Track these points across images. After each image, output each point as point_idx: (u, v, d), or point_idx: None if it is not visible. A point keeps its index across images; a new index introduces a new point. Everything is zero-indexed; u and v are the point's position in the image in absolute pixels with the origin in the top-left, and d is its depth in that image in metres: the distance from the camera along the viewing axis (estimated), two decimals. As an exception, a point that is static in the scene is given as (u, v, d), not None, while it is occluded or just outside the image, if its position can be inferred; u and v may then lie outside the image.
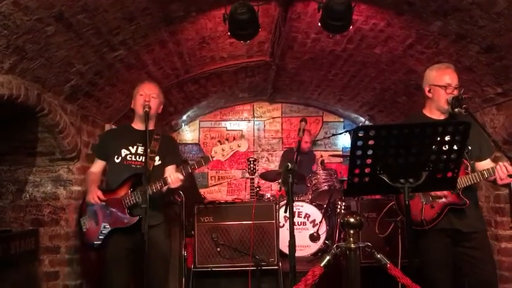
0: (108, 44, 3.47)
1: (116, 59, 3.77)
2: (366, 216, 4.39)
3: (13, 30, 2.64)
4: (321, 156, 6.70)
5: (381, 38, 4.08)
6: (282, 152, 7.42)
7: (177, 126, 7.33)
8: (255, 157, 5.46)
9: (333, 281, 3.63)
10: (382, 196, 4.54)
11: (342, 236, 4.57)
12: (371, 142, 2.00)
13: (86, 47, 3.31)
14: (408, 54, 4.19)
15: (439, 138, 2.04)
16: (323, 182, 5.28)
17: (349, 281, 2.28)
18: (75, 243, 3.86)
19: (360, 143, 2.00)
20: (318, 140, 7.46)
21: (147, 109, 2.97)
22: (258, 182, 5.74)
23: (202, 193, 6.29)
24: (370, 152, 2.02)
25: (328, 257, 2.26)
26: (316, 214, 5.15)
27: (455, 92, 2.76)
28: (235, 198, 6.87)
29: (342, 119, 7.68)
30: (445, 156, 2.08)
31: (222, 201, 4.79)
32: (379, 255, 2.26)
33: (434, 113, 2.86)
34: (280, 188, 5.52)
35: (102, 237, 2.96)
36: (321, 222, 5.09)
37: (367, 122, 6.42)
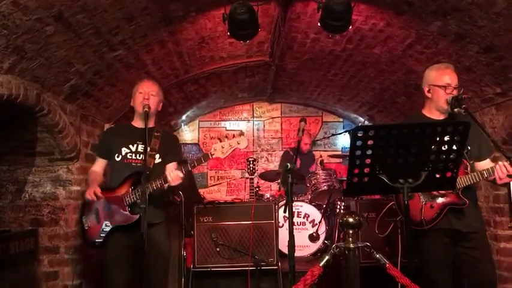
0: (108, 44, 3.47)
1: (115, 59, 3.77)
2: (366, 216, 4.39)
3: (12, 30, 2.64)
4: (320, 156, 6.70)
5: (380, 38, 4.08)
6: (281, 152, 7.42)
7: (176, 126, 7.33)
8: (254, 157, 5.46)
9: (332, 281, 3.63)
10: (381, 196, 4.54)
11: (341, 236, 4.57)
12: (370, 142, 2.00)
13: (86, 46, 3.31)
14: (407, 54, 4.20)
15: (438, 138, 2.04)
16: (322, 182, 5.28)
17: (348, 281, 2.28)
18: (74, 243, 3.86)
19: (359, 143, 2.00)
20: (317, 140, 7.46)
21: (146, 109, 2.98)
22: (258, 182, 5.73)
23: (201, 193, 6.29)
24: (369, 152, 2.02)
25: (327, 257, 2.27)
26: (316, 214, 5.15)
27: (455, 92, 2.76)
28: (234, 198, 6.87)
29: (341, 119, 7.69)
30: (444, 156, 2.08)
31: (221, 201, 4.79)
32: (378, 255, 2.27)
33: (433, 113, 2.87)
34: (280, 188, 5.52)
35: (103, 235, 2.97)
36: (320, 222, 5.09)
37: (366, 122, 6.42)
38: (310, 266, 2.32)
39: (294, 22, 4.07)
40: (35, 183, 3.87)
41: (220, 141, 2.92)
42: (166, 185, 2.90)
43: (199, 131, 7.65)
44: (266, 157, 7.60)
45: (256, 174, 5.28)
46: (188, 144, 7.58)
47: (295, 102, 7.61)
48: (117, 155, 3.06)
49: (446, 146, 2.06)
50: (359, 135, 1.99)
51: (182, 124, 7.49)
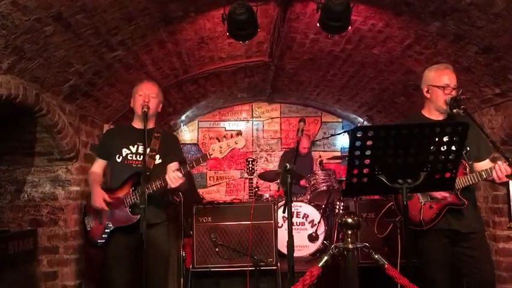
0: (107, 44, 3.47)
1: (114, 59, 3.77)
2: (365, 216, 4.40)
3: (12, 30, 2.64)
4: (320, 156, 6.71)
5: (379, 39, 4.08)
6: (280, 152, 7.43)
7: (175, 126, 7.33)
8: (253, 157, 5.46)
9: (331, 281, 3.63)
10: (380, 196, 4.54)
11: (340, 236, 4.58)
12: (369, 142, 2.00)
13: (85, 47, 3.30)
14: (407, 55, 4.20)
15: (437, 139, 2.04)
16: (322, 182, 5.29)
17: (347, 281, 2.28)
18: (73, 244, 3.85)
19: (358, 143, 2.01)
20: (316, 141, 7.46)
21: (145, 109, 2.98)
22: (257, 182, 5.73)
23: (200, 193, 6.28)
24: (368, 153, 2.03)
25: (326, 258, 2.27)
26: (315, 214, 5.15)
27: (454, 93, 2.77)
28: (233, 199, 6.86)
29: (340, 120, 7.69)
30: (443, 157, 2.08)
31: (220, 202, 4.79)
32: (376, 256, 2.27)
33: (432, 113, 2.87)
34: (279, 188, 5.52)
35: (105, 235, 2.99)
36: (319, 222, 5.09)
37: (365, 123, 6.42)
38: (309, 266, 2.32)
39: (293, 22, 4.08)
40: (34, 184, 3.87)
41: (219, 141, 2.93)
42: (167, 187, 2.91)
43: (198, 131, 7.65)
44: (265, 157, 7.60)
45: (255, 174, 5.28)
46: (187, 144, 7.58)
47: (294, 103, 7.61)
48: (117, 156, 3.07)
49: (445, 147, 2.06)
50: (358, 135, 2.00)
51: (181, 124, 7.49)
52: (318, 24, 3.47)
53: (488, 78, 3.69)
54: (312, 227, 5.13)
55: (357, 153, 2.03)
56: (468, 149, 2.74)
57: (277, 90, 6.70)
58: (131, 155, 3.07)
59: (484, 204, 4.12)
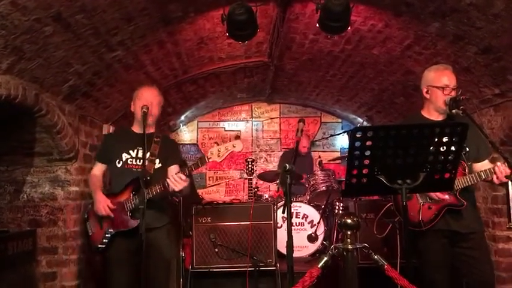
0: (107, 45, 3.47)
1: (114, 59, 3.77)
2: (364, 216, 4.40)
3: (11, 31, 2.63)
4: (319, 157, 6.71)
5: (379, 39, 4.08)
6: (280, 152, 7.43)
7: (175, 126, 7.32)
8: (253, 158, 5.46)
9: (330, 281, 3.63)
10: (380, 197, 4.55)
11: (340, 237, 4.58)
12: (369, 143, 2.00)
13: (84, 47, 3.30)
14: (406, 55, 4.20)
15: (436, 139, 2.04)
16: (321, 183, 5.29)
17: (346, 282, 2.28)
18: (73, 244, 3.85)
19: (358, 143, 2.01)
20: (316, 141, 7.47)
21: (145, 109, 2.97)
22: (256, 183, 5.73)
23: (200, 193, 6.29)
24: (368, 153, 2.03)
25: (325, 258, 2.27)
26: (314, 215, 5.15)
27: (453, 93, 2.77)
28: (233, 199, 6.86)
29: (340, 120, 7.70)
30: (442, 157, 2.08)
31: (220, 202, 4.79)
32: (376, 257, 2.27)
33: (432, 114, 2.87)
34: (278, 188, 5.52)
35: (106, 240, 3.01)
36: (318, 223, 5.09)
37: (365, 123, 6.42)
38: (309, 266, 2.32)
39: (293, 23, 4.08)
40: (33, 184, 3.86)
41: (218, 144, 2.96)
42: (171, 190, 2.91)
43: (198, 131, 7.65)
44: (265, 158, 7.60)
45: (254, 174, 5.28)
46: (187, 144, 7.58)
47: (293, 103, 7.61)
48: (117, 160, 3.08)
49: (444, 147, 2.06)
50: (358, 136, 2.00)
51: (181, 124, 7.49)
52: (317, 25, 3.47)
53: (487, 79, 3.69)
54: (311, 227, 5.13)
55: (357, 153, 2.03)
56: (467, 149, 2.75)
57: (277, 90, 6.70)
58: (131, 160, 3.08)
59: (484, 205, 4.12)
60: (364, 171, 2.07)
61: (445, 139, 2.04)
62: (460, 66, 3.69)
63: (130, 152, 3.09)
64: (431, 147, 2.06)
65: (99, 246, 3.03)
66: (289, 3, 3.67)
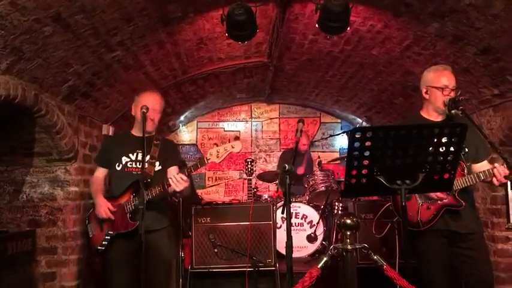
0: (106, 45, 3.47)
1: (113, 60, 3.77)
2: (363, 217, 4.40)
3: (10, 31, 2.63)
4: (318, 157, 6.71)
5: (378, 40, 4.09)
6: (279, 152, 7.42)
7: (174, 127, 7.32)
8: (252, 158, 5.46)
9: (330, 282, 3.63)
10: (379, 197, 4.55)
11: (339, 237, 4.58)
12: (368, 143, 2.00)
13: (84, 47, 3.30)
14: (405, 56, 4.21)
15: (436, 140, 2.04)
16: (320, 183, 5.28)
17: (346, 282, 2.29)
18: (72, 244, 3.85)
19: (357, 144, 2.01)
20: (315, 141, 7.46)
21: (144, 110, 2.98)
22: (256, 183, 5.73)
23: (199, 194, 6.28)
24: (367, 153, 2.03)
25: (325, 258, 2.27)
26: (314, 215, 5.15)
27: (452, 94, 2.77)
28: (232, 199, 6.87)
29: (339, 120, 7.70)
30: (441, 158, 2.08)
31: (219, 202, 4.79)
32: (375, 257, 2.27)
33: (431, 114, 2.87)
34: (278, 188, 5.52)
35: (105, 242, 3.03)
36: (318, 223, 5.09)
37: (364, 123, 6.43)
38: (308, 266, 2.32)
39: (292, 23, 4.08)
40: (32, 184, 3.86)
41: (217, 145, 2.97)
42: (171, 190, 2.91)
43: (197, 131, 7.65)
44: (264, 158, 7.60)
45: (254, 175, 5.28)
46: (186, 145, 7.58)
47: (293, 103, 7.62)
48: (117, 164, 3.09)
49: (443, 148, 2.06)
50: (357, 136, 2.00)
51: (180, 125, 7.49)
52: (316, 25, 3.48)
53: (486, 79, 3.70)
54: (310, 227, 5.13)
55: (356, 154, 2.03)
56: (466, 150, 2.75)
57: (276, 90, 6.70)
58: (131, 163, 3.09)
59: (483, 205, 4.12)
60: (364, 171, 2.07)
61: (444, 140, 2.04)
62: (459, 67, 3.70)
63: (130, 155, 3.10)
64: (431, 148, 2.06)
65: (99, 248, 3.04)
66: (288, 3, 3.67)
